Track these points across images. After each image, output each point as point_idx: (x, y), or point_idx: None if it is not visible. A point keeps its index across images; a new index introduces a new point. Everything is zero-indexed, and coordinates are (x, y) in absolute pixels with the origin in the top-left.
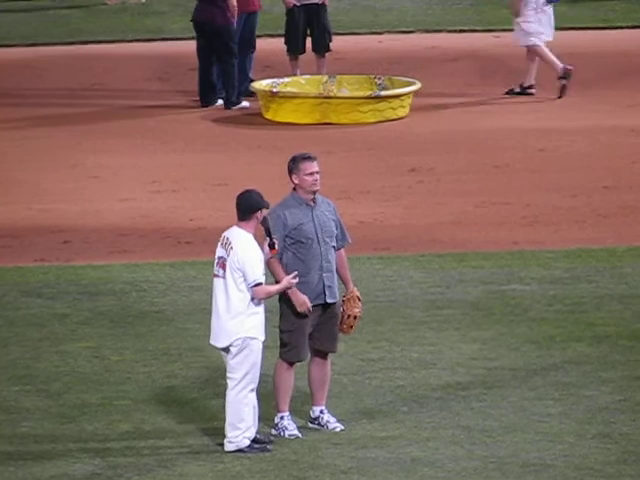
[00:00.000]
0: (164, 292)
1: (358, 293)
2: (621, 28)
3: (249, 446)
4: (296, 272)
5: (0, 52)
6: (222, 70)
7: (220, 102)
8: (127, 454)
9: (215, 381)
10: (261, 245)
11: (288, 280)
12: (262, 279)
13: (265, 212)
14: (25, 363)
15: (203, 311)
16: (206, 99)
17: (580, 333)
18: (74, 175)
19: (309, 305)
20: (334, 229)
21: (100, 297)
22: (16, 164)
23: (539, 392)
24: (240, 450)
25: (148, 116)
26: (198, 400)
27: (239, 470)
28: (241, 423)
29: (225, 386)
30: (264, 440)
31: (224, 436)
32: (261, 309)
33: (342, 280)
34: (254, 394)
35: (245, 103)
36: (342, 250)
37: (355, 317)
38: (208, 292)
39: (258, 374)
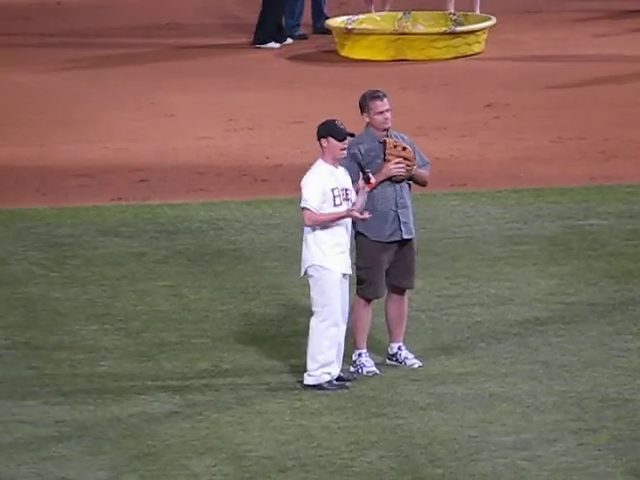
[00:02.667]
0: (241, 230)
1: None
2: None
3: (329, 382)
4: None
5: None
6: (266, 5)
7: (289, 40)
8: (206, 392)
9: (293, 319)
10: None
11: (347, 210)
12: (314, 207)
13: (332, 140)
14: (103, 302)
15: (280, 249)
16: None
17: None
18: (150, 114)
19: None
20: None
21: (177, 236)
22: (92, 104)
23: (618, 327)
24: (319, 386)
25: (223, 54)
26: (276, 338)
27: (317, 407)
28: (320, 355)
29: (302, 323)
30: (347, 378)
31: (303, 372)
32: (331, 239)
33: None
34: (338, 330)
35: (273, 44)
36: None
37: (404, 148)
38: (285, 230)
39: (337, 308)
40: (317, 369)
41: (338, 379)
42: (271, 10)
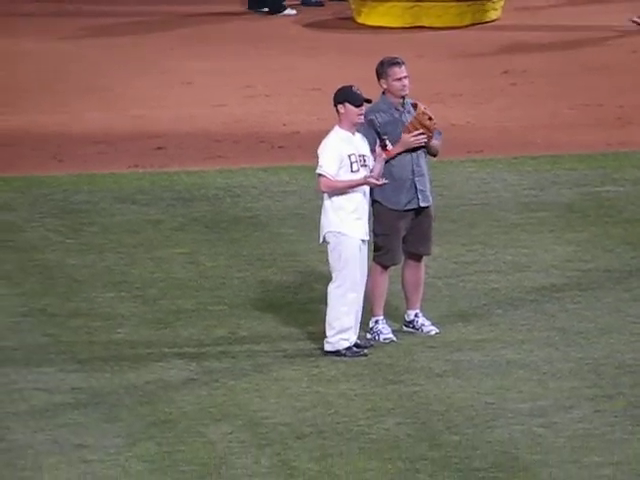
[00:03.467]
0: (258, 197)
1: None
2: None
3: (348, 348)
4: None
5: None
6: None
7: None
8: (222, 359)
9: (309, 285)
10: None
11: (365, 177)
12: (330, 173)
13: (349, 106)
14: (120, 269)
15: (296, 216)
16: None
17: None
18: (167, 81)
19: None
20: None
21: (194, 203)
22: (109, 71)
23: (634, 293)
24: (337, 352)
25: (240, 21)
26: (292, 304)
27: (334, 374)
28: (336, 322)
29: (319, 290)
30: (364, 345)
31: (320, 340)
32: (348, 205)
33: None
34: (356, 296)
35: (290, 11)
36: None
37: (430, 118)
38: (301, 197)
39: (355, 273)
40: (334, 335)
41: (355, 346)
42: None
